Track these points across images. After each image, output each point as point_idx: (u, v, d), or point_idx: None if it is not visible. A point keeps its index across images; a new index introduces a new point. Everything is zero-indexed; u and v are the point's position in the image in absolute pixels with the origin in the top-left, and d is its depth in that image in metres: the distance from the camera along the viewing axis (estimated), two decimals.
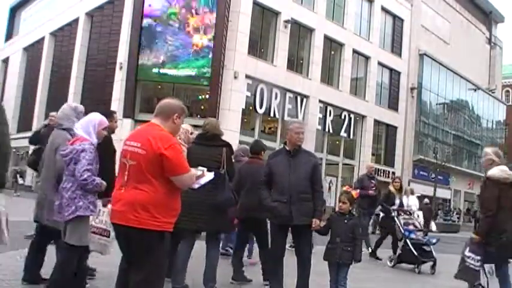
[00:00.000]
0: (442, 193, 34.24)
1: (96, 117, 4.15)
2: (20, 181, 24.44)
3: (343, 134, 27.74)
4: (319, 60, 26.44)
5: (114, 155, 4.78)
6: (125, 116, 20.96)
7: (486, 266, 4.93)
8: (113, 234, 4.71)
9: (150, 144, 2.96)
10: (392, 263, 8.35)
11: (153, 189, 2.96)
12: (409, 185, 32.21)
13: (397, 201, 9.03)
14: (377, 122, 30.30)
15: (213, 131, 4.85)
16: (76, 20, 28.41)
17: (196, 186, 3.33)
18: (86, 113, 4.41)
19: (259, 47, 24.74)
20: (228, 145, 4.86)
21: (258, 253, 6.04)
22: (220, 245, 6.09)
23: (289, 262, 4.90)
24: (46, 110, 30.95)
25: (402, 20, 32.41)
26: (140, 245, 3.02)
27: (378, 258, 8.94)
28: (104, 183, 3.94)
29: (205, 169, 3.41)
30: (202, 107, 23.69)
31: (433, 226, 22.92)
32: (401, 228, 8.26)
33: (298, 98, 25.08)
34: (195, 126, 5.57)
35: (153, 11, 21.83)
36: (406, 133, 32.49)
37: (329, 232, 4.69)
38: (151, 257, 3.02)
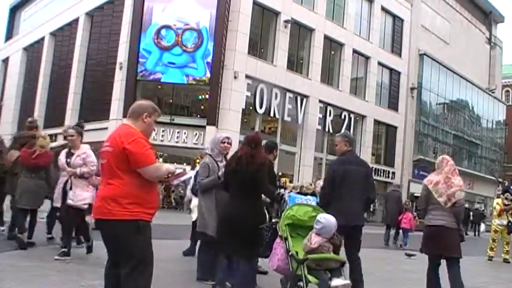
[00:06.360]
0: None
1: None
2: None
3: None
4: (319, 60, 26.45)
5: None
6: (125, 116, 20.84)
7: None
8: None
9: (115, 141, 3.19)
10: None
11: (122, 182, 3.14)
12: (409, 184, 32.47)
13: None
14: (377, 122, 30.32)
15: None
16: (76, 20, 28.41)
17: (175, 182, 3.55)
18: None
19: (259, 47, 24.76)
20: None
21: None
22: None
23: None
24: (46, 110, 30.96)
25: (402, 20, 32.42)
26: (116, 236, 3.15)
27: None
28: None
29: (187, 168, 3.58)
30: (202, 107, 23.70)
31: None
32: None
33: (298, 98, 25.09)
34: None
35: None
36: (406, 133, 32.49)
37: None
38: (132, 248, 3.12)
